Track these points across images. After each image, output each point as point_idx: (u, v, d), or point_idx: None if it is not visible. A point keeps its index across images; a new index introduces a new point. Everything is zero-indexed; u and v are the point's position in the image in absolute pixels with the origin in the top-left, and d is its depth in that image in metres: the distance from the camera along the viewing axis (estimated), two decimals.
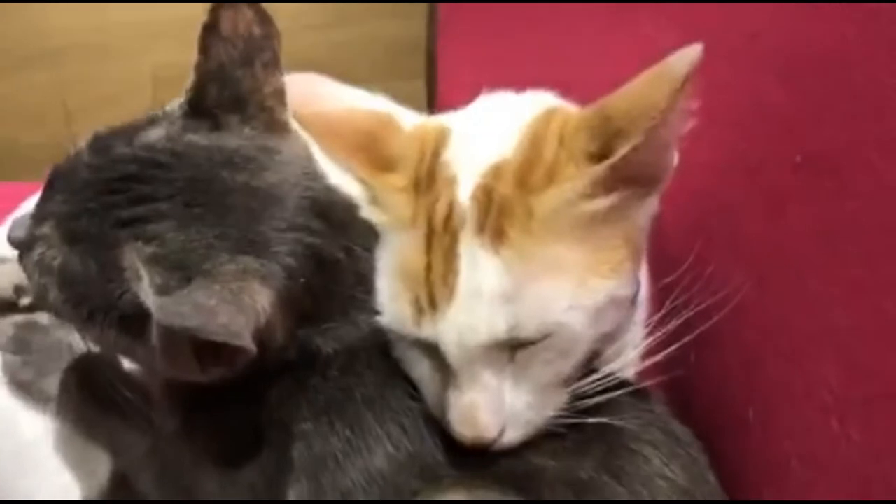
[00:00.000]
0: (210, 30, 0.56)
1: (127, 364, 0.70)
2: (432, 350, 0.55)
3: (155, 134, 0.56)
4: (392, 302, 0.56)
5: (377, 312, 0.57)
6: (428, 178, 0.57)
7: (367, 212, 0.59)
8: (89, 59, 1.71)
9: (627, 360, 0.62)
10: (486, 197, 0.54)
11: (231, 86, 0.57)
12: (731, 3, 0.60)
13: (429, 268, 0.54)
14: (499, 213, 0.53)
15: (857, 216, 0.48)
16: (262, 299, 0.49)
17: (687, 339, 0.58)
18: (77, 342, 0.70)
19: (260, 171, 0.55)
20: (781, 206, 0.55)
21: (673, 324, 0.57)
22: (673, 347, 0.58)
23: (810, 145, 0.53)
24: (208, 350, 0.49)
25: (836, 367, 0.49)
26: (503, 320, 0.52)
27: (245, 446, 0.57)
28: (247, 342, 0.46)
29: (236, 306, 0.47)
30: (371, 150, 0.59)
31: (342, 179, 0.61)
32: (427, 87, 1.48)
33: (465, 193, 0.55)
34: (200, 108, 0.57)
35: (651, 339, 0.60)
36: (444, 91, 1.21)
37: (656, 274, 0.65)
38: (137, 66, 1.65)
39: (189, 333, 0.46)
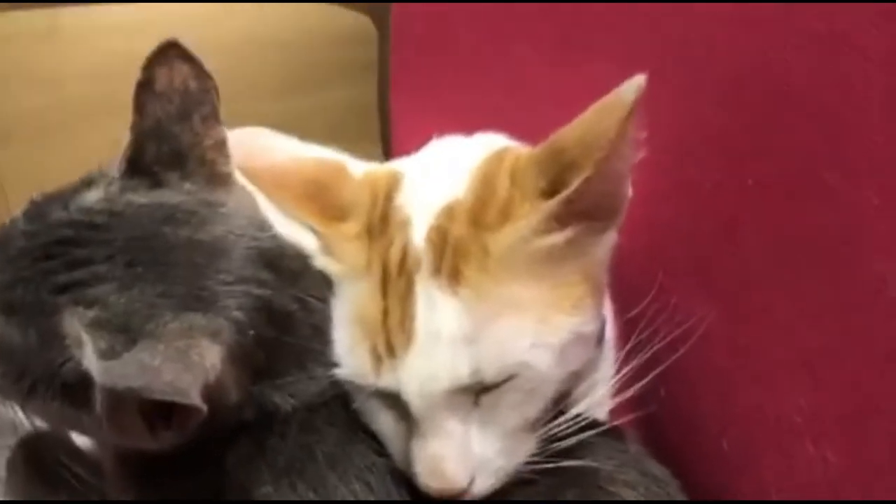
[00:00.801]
0: (144, 87, 0.55)
1: (77, 439, 0.66)
2: (393, 400, 0.53)
3: (92, 196, 0.54)
4: (349, 352, 0.54)
5: (335, 365, 0.55)
6: (381, 223, 0.56)
7: (321, 262, 0.58)
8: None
9: (597, 398, 0.61)
10: (441, 238, 0.53)
11: (169, 142, 0.55)
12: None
13: (385, 314, 0.53)
14: (454, 254, 0.52)
15: (814, 235, 0.48)
16: (210, 356, 0.47)
17: (656, 371, 0.56)
18: (20, 420, 0.67)
19: (203, 225, 0.54)
20: (738, 230, 0.55)
21: (640, 358, 0.56)
22: (642, 382, 0.57)
23: (761, 168, 0.53)
24: (157, 413, 0.46)
25: (807, 388, 0.48)
26: (465, 363, 0.50)
27: None
28: (195, 400, 0.43)
29: (182, 364, 0.45)
30: (321, 199, 0.58)
31: (292, 231, 0.59)
32: (383, 147, 1.49)
33: (419, 236, 0.54)
34: (139, 167, 0.55)
35: (620, 375, 0.59)
36: (399, 151, 1.21)
37: (620, 308, 0.64)
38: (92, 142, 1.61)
39: (134, 395, 0.43)
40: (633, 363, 0.58)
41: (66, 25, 1.67)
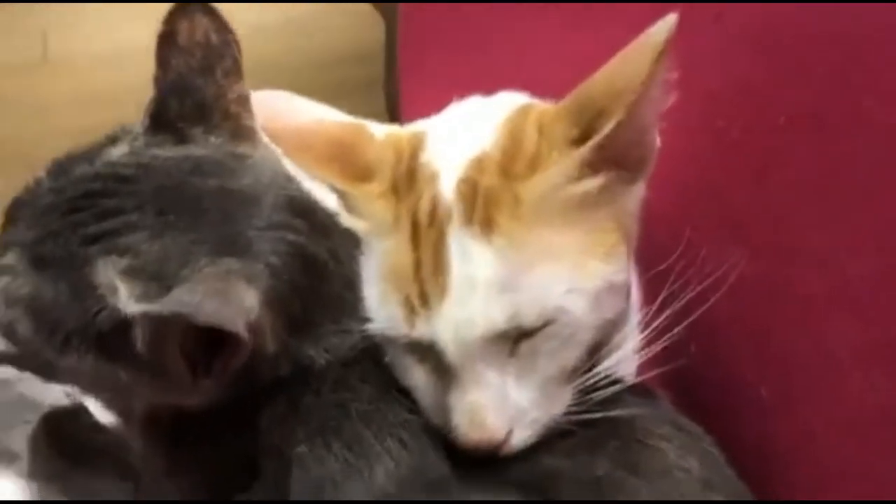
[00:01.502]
0: (166, 40, 0.54)
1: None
2: (428, 352, 0.52)
3: (117, 151, 0.54)
4: (381, 306, 0.54)
5: (367, 319, 0.54)
6: (407, 179, 0.56)
7: (346, 221, 0.57)
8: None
9: (627, 352, 0.60)
10: (471, 189, 0.53)
11: (192, 95, 0.55)
12: None
13: (417, 265, 0.52)
14: (486, 203, 0.52)
15: (852, 162, 0.48)
16: (249, 298, 0.46)
17: (685, 323, 0.56)
18: (40, 395, 0.66)
19: (231, 175, 0.53)
20: (770, 171, 0.54)
21: (672, 308, 0.55)
22: (671, 334, 0.56)
23: (793, 106, 0.52)
24: (198, 357, 0.45)
25: (851, 319, 0.47)
26: (500, 310, 0.50)
27: (236, 479, 0.53)
28: (240, 329, 0.42)
29: (224, 299, 0.44)
30: (345, 160, 0.57)
31: (316, 192, 0.59)
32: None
33: (448, 189, 0.53)
34: (163, 123, 0.55)
35: (648, 330, 0.59)
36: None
37: (646, 268, 0.63)
38: None
39: (180, 321, 0.42)
40: (663, 317, 0.57)
41: (56, 55, 1.66)
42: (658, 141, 0.55)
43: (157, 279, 0.47)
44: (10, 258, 0.50)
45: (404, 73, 1.05)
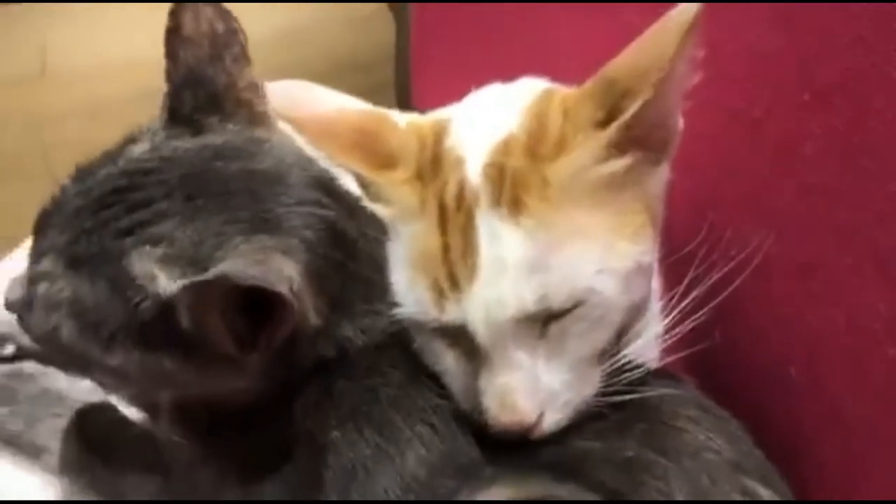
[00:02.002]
0: (173, 34, 0.55)
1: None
2: (458, 335, 0.52)
3: (139, 148, 0.54)
4: (410, 290, 0.54)
5: (396, 304, 0.54)
6: (432, 164, 0.56)
7: (372, 207, 0.57)
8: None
9: (649, 338, 0.60)
10: (498, 172, 0.53)
11: (205, 86, 0.55)
12: None
13: (446, 248, 0.52)
14: (513, 185, 0.52)
15: (881, 132, 0.47)
16: (287, 268, 0.46)
17: (710, 305, 0.56)
18: (65, 389, 0.66)
19: (253, 157, 0.53)
20: (795, 148, 0.54)
21: (699, 290, 0.55)
22: (698, 315, 0.56)
23: (817, 80, 0.52)
24: (244, 332, 0.46)
25: (881, 289, 0.47)
26: (531, 291, 0.50)
27: (269, 466, 0.53)
28: (285, 290, 0.43)
29: (265, 266, 0.44)
30: (369, 148, 0.57)
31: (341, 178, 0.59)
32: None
33: (474, 172, 0.53)
34: (180, 116, 0.55)
35: (673, 314, 0.58)
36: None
37: (668, 252, 0.63)
38: None
39: (224, 286, 0.42)
40: (687, 300, 0.57)
41: (55, 68, 1.66)
42: (681, 123, 0.55)
43: (193, 263, 0.47)
44: (45, 264, 0.50)
45: (417, 70, 1.05)
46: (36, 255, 0.52)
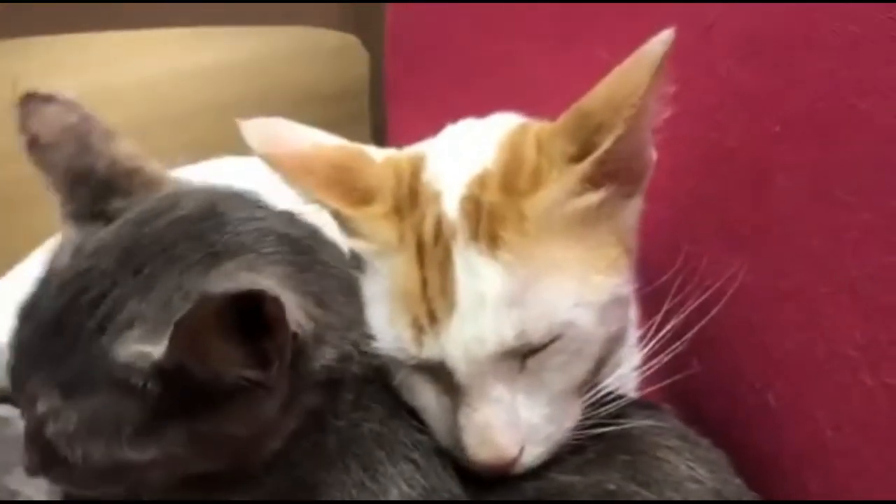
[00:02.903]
0: (33, 147, 0.54)
1: None
2: (437, 371, 0.52)
3: (62, 260, 0.53)
4: (389, 326, 0.53)
5: (370, 336, 0.54)
6: (409, 200, 0.56)
7: (349, 244, 0.57)
8: None
9: (627, 370, 0.60)
10: (475, 206, 0.53)
11: (90, 177, 0.55)
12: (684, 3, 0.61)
13: (424, 284, 0.52)
14: (490, 220, 0.52)
15: (852, 162, 0.49)
16: (260, 279, 0.46)
17: (687, 336, 0.56)
18: None
19: (174, 209, 0.53)
20: (768, 178, 0.55)
21: (676, 319, 0.56)
22: (675, 346, 0.57)
23: (787, 111, 0.53)
24: (250, 350, 0.45)
25: (857, 318, 0.48)
26: (510, 325, 0.50)
27: None
28: (267, 287, 0.43)
29: (235, 279, 0.45)
30: (346, 184, 0.57)
31: (315, 217, 0.59)
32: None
33: (451, 207, 0.54)
34: (84, 216, 0.54)
35: (650, 345, 0.59)
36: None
37: (644, 283, 0.64)
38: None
39: (208, 309, 0.42)
40: (664, 332, 0.58)
41: None
42: (654, 155, 0.56)
43: (171, 322, 0.45)
44: (41, 406, 0.49)
45: (392, 102, 1.06)
46: (28, 406, 0.50)
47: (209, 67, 1.31)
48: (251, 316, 0.43)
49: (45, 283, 0.52)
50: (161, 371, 0.45)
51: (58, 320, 0.50)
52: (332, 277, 0.55)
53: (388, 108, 1.07)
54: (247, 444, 0.50)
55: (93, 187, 0.55)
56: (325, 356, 0.52)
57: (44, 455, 0.51)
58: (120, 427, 0.47)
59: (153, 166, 0.57)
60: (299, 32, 1.36)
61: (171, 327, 0.42)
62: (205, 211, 0.53)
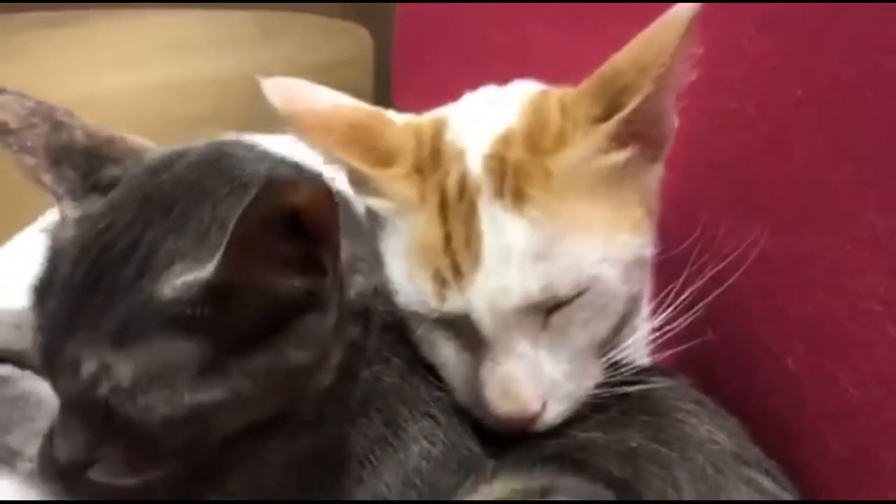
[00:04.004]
0: (5, 134, 0.52)
1: None
2: (459, 325, 0.52)
3: (65, 235, 0.51)
4: (410, 280, 0.53)
5: (390, 284, 0.54)
6: (432, 159, 0.56)
7: (366, 202, 0.57)
8: None
9: (639, 338, 0.60)
10: (500, 163, 0.53)
11: (72, 151, 0.53)
12: None
13: (448, 238, 0.52)
14: (515, 176, 0.52)
15: (877, 120, 0.49)
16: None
17: (703, 303, 0.56)
18: (44, 393, 0.63)
19: (181, 158, 0.52)
20: (789, 143, 0.55)
21: (688, 291, 0.56)
22: (691, 313, 0.57)
23: (809, 75, 0.54)
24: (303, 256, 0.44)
25: (881, 273, 0.48)
26: (536, 279, 0.50)
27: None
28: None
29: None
30: (365, 143, 0.57)
31: (332, 173, 0.58)
32: None
33: (475, 163, 0.54)
34: (79, 191, 0.52)
35: (665, 313, 0.59)
36: None
37: (659, 252, 0.64)
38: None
39: (274, 190, 0.40)
40: (681, 299, 0.58)
41: None
42: (676, 121, 0.56)
43: (215, 248, 0.44)
44: (88, 367, 0.46)
45: (398, 88, 1.05)
46: (70, 373, 0.47)
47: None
48: (297, 226, 0.43)
49: (55, 259, 0.50)
50: (213, 293, 0.44)
51: (87, 283, 0.47)
52: (350, 213, 0.54)
53: (394, 92, 1.07)
54: (306, 375, 0.48)
55: (78, 161, 0.53)
56: (358, 285, 0.51)
57: (92, 429, 0.47)
58: (179, 370, 0.45)
59: (130, 136, 0.56)
60: (306, 20, 1.35)
61: (227, 236, 0.41)
62: (216, 154, 0.52)
